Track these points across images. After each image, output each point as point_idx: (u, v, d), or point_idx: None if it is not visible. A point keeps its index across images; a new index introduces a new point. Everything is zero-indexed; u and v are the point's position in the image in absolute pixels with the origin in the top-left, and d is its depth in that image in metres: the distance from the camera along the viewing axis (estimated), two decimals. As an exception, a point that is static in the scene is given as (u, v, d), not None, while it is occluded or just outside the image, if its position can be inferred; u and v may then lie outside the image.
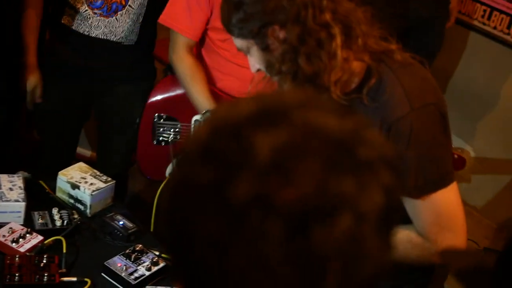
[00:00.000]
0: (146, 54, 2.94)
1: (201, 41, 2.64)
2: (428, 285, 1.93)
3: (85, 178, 2.38)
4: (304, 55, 1.52)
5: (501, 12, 3.73)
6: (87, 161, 3.89)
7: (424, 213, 1.61)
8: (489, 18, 3.81)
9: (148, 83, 2.95)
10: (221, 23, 1.66)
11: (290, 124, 0.70)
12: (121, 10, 2.70)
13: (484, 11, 3.82)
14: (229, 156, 0.69)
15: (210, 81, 2.62)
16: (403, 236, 1.63)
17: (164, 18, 2.62)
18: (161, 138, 2.68)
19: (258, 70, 1.69)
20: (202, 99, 2.55)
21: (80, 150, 3.94)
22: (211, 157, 0.70)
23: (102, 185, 2.38)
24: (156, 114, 2.70)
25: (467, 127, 4.15)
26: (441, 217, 1.60)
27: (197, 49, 2.69)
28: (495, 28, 3.79)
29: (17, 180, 2.31)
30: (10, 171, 2.40)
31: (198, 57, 2.67)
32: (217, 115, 0.75)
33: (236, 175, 0.67)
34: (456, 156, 3.17)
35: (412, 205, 1.60)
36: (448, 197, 1.60)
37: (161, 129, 2.68)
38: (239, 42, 1.65)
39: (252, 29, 1.57)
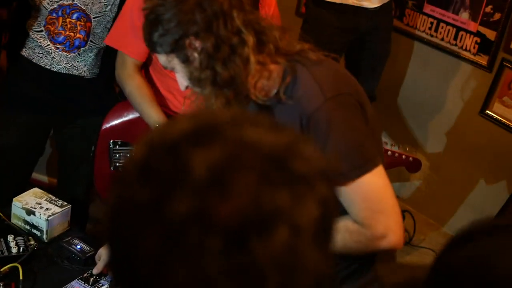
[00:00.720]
0: (108, 85, 2.93)
1: (149, 60, 2.65)
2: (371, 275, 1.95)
3: (40, 204, 2.37)
4: (220, 61, 1.62)
5: (447, 23, 3.82)
6: (46, 187, 3.88)
7: (354, 199, 1.65)
8: (436, 30, 3.89)
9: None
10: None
11: (225, 141, 0.71)
12: (84, 46, 2.68)
13: (431, 23, 3.90)
14: (165, 174, 0.70)
15: (160, 102, 2.62)
16: (341, 226, 1.66)
17: (110, 40, 2.62)
18: (118, 164, 2.67)
19: (187, 87, 1.77)
20: (153, 115, 2.55)
21: (37, 176, 3.91)
22: (148, 175, 0.71)
23: (58, 209, 2.36)
24: (111, 141, 2.69)
25: (419, 137, 4.22)
26: (370, 201, 1.65)
27: (145, 68, 2.69)
28: (442, 39, 3.88)
29: (-29, 209, 2.28)
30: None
31: (147, 76, 2.67)
32: (152, 134, 0.76)
33: (173, 193, 0.68)
34: (411, 159, 3.21)
35: (342, 193, 1.65)
36: (374, 181, 1.64)
37: (117, 155, 2.68)
38: (162, 58, 1.74)
39: (171, 43, 1.66)
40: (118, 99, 2.97)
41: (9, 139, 2.85)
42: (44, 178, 3.92)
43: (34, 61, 2.69)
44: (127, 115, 2.70)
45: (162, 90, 2.64)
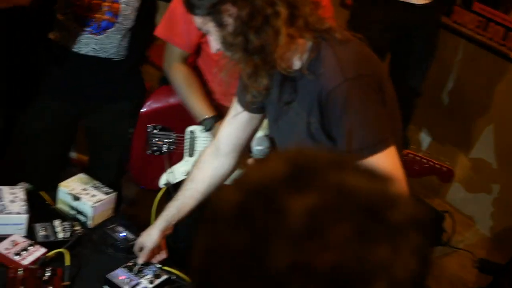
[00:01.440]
0: (135, 68, 2.93)
1: (198, 51, 2.65)
2: None
3: (86, 190, 2.39)
4: (253, 30, 1.69)
5: (497, 23, 3.76)
6: (74, 163, 3.92)
7: None
8: (484, 29, 3.83)
9: (138, 99, 2.96)
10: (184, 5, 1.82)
11: (323, 186, 0.70)
12: (111, 28, 2.67)
13: (480, 21, 3.84)
14: (263, 221, 0.69)
15: (209, 93, 2.63)
16: None
17: (160, 31, 2.63)
18: (155, 148, 2.68)
19: (218, 49, 1.83)
20: (200, 107, 2.56)
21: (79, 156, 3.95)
22: (244, 221, 0.70)
23: (103, 196, 2.38)
24: (150, 125, 2.69)
25: (461, 137, 4.17)
26: None
27: (193, 59, 2.69)
28: (490, 39, 3.82)
29: (19, 192, 2.31)
30: (8, 179, 2.41)
31: (195, 67, 2.67)
32: (248, 176, 0.75)
33: (271, 242, 0.67)
34: (444, 168, 3.18)
35: None
36: (384, 161, 1.70)
37: (155, 140, 2.68)
38: (198, 20, 1.80)
39: (208, 6, 1.73)
40: (145, 85, 2.99)
41: (42, 124, 2.87)
42: (73, 154, 3.94)
43: (62, 44, 2.70)
44: (168, 100, 2.71)
45: (211, 82, 2.63)
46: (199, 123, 2.57)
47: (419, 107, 3.84)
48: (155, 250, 2.22)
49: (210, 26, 1.78)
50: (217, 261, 0.71)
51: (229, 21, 1.73)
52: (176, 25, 2.57)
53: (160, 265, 2.21)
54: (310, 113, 1.78)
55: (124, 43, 2.73)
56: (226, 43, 1.77)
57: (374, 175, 0.74)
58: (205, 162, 2.19)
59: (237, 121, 2.06)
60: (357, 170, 0.74)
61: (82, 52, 2.69)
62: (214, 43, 1.83)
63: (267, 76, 1.77)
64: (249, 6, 1.68)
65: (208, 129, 2.54)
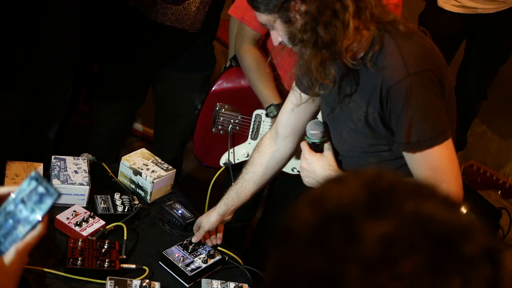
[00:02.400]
0: (208, 42, 2.95)
1: (268, 34, 2.64)
2: None
3: (147, 165, 2.43)
4: (322, 25, 1.70)
5: None
6: (140, 136, 3.98)
7: (420, 166, 1.80)
8: None
9: (207, 72, 2.98)
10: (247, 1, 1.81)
11: (400, 214, 0.70)
12: None
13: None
14: (338, 246, 0.69)
15: (277, 77, 2.62)
16: None
17: (234, 10, 2.63)
18: (220, 127, 2.70)
19: (280, 43, 1.84)
20: (267, 93, 2.57)
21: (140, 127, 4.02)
22: (321, 244, 0.71)
23: (163, 173, 2.42)
24: (219, 103, 2.71)
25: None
26: (436, 170, 1.78)
27: (262, 40, 2.69)
28: None
29: (82, 163, 2.37)
30: (71, 148, 2.46)
31: (264, 49, 2.67)
32: (326, 198, 0.75)
33: (345, 268, 0.68)
34: (508, 185, 3.12)
35: (409, 159, 1.81)
36: (442, 153, 1.77)
37: (222, 119, 2.70)
38: (264, 17, 1.79)
39: (277, 4, 1.73)
40: (215, 58, 3.00)
41: (112, 89, 2.94)
42: (139, 126, 4.01)
43: (141, 11, 2.74)
44: (239, 81, 2.71)
45: (279, 69, 2.62)
46: (266, 109, 2.57)
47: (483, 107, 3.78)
48: (211, 233, 2.25)
49: (276, 23, 1.79)
50: (290, 280, 0.73)
51: (297, 17, 1.73)
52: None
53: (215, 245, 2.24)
54: (369, 103, 1.80)
55: (199, 16, 2.75)
56: (294, 39, 1.77)
57: (451, 204, 0.74)
58: (264, 146, 2.20)
59: (295, 105, 2.07)
60: (434, 198, 0.74)
61: (158, 21, 2.73)
62: (277, 37, 1.83)
63: (334, 67, 1.78)
64: (318, 1, 1.68)
65: (273, 116, 2.54)
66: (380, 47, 1.75)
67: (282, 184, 2.76)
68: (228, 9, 2.67)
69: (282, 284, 0.74)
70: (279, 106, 2.52)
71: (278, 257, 0.75)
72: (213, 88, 2.77)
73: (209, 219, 2.22)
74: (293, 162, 2.60)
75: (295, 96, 2.06)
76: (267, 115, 2.58)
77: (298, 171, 2.60)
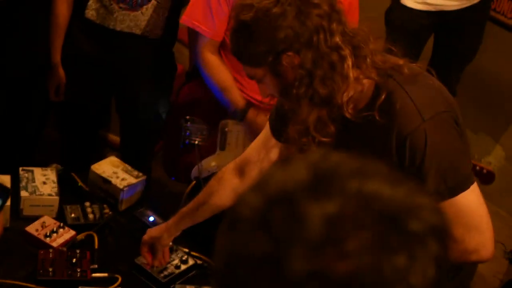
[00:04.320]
0: (169, 48, 2.94)
1: (222, 42, 2.60)
2: (455, 284, 1.94)
3: (116, 173, 2.41)
4: (319, 78, 1.57)
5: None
6: (112, 146, 3.94)
7: (448, 215, 1.63)
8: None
9: (169, 80, 2.97)
10: (231, 52, 1.68)
11: (343, 194, 0.70)
12: (147, 4, 2.68)
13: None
14: (283, 228, 0.69)
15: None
16: None
17: (185, 19, 2.58)
18: (187, 141, 2.66)
19: (269, 95, 1.73)
20: (233, 98, 2.53)
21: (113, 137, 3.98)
22: (264, 227, 0.70)
23: (133, 180, 2.40)
24: (184, 117, 2.67)
25: (498, 127, 4.11)
26: (465, 218, 1.63)
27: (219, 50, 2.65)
28: (530, 28, 3.74)
29: (50, 173, 2.34)
30: (42, 160, 2.44)
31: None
32: (270, 180, 0.74)
33: (290, 250, 0.68)
34: (485, 171, 3.13)
35: None
36: (469, 199, 1.63)
37: (188, 132, 2.66)
38: (251, 71, 1.68)
39: (266, 58, 1.60)
40: (176, 66, 2.98)
41: (76, 99, 2.92)
42: (109, 135, 3.98)
43: (98, 22, 2.71)
44: (203, 92, 2.65)
45: (232, 71, 2.58)
46: (231, 113, 2.53)
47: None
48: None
49: (266, 77, 1.66)
50: (236, 265, 0.72)
51: (290, 70, 1.60)
52: (201, 11, 2.51)
53: (187, 250, 2.23)
54: (382, 157, 1.64)
55: (159, 22, 2.74)
56: (286, 93, 1.64)
57: (396, 181, 0.73)
58: (226, 180, 2.07)
59: (267, 148, 1.94)
60: (379, 176, 0.73)
61: (117, 29, 2.71)
62: (265, 89, 1.72)
63: (333, 122, 1.63)
64: (313, 54, 1.56)
65: (241, 119, 2.52)
66: (387, 95, 1.61)
67: None
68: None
69: (229, 268, 0.73)
70: (246, 109, 2.50)
71: (224, 242, 0.75)
72: (178, 103, 2.73)
73: (163, 241, 2.06)
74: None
75: (268, 138, 1.92)
76: (235, 118, 2.55)
77: None
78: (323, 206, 0.69)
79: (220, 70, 2.57)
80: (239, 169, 2.07)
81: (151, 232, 2.09)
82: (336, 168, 0.73)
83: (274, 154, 1.93)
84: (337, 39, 1.57)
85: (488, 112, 4.10)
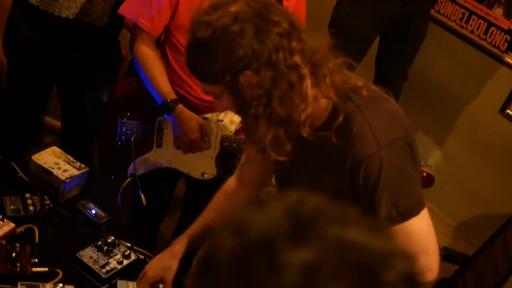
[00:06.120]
0: (114, 37, 2.89)
1: (168, 40, 2.55)
2: None
3: (58, 164, 2.36)
4: (277, 98, 1.54)
5: (479, 17, 3.76)
6: (49, 129, 3.87)
7: (397, 239, 1.64)
8: (467, 22, 3.84)
9: (114, 69, 2.93)
10: (186, 67, 1.64)
11: (323, 241, 0.70)
12: None
13: (463, 14, 3.84)
14: (259, 275, 0.68)
15: (175, 81, 2.54)
16: None
17: (123, 9, 2.50)
18: (123, 138, 2.61)
19: (225, 109, 1.71)
20: (162, 90, 2.47)
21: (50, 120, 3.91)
22: (241, 273, 0.70)
23: (75, 172, 2.36)
24: (119, 113, 2.62)
25: (436, 127, 4.20)
26: (414, 242, 1.64)
27: (163, 47, 2.60)
28: (472, 32, 3.83)
29: (-10, 163, 2.28)
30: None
31: (164, 56, 2.58)
32: (247, 225, 0.73)
33: None
34: (425, 174, 3.18)
35: None
36: (419, 224, 1.65)
37: (124, 129, 2.62)
38: (207, 87, 1.65)
39: (223, 77, 1.57)
40: (122, 55, 2.94)
41: (16, 85, 2.86)
42: (49, 120, 3.91)
43: (42, 8, 2.64)
44: (139, 88, 2.58)
45: (178, 69, 2.55)
46: (160, 107, 2.47)
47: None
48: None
49: (223, 94, 1.63)
50: None
51: (248, 89, 1.57)
52: (139, 4, 2.45)
53: (129, 244, 2.20)
54: (336, 176, 1.66)
55: (106, 9, 2.68)
56: (243, 111, 1.62)
57: (374, 228, 0.74)
58: (233, 194, 2.07)
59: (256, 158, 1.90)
60: (357, 223, 0.74)
61: (63, 15, 2.64)
62: (223, 105, 1.68)
63: (290, 141, 1.61)
64: (272, 73, 1.52)
65: (169, 112, 2.46)
66: (345, 118, 1.60)
67: (194, 190, 2.76)
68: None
69: None
70: (175, 102, 2.45)
71: (198, 283, 0.74)
72: (112, 98, 2.68)
73: (172, 270, 2.01)
74: (203, 167, 2.59)
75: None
76: (164, 111, 2.49)
77: (209, 176, 2.60)
78: (301, 253, 0.69)
79: (151, 61, 2.48)
80: (240, 179, 2.06)
81: (154, 265, 2.03)
82: (315, 214, 0.73)
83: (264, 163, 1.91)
84: (297, 58, 1.54)
85: (430, 112, 4.20)
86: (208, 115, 2.55)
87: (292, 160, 1.64)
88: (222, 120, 2.53)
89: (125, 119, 2.58)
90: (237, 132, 2.56)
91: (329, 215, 0.73)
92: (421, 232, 1.66)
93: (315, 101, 1.59)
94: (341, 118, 1.59)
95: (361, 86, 1.63)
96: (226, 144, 2.58)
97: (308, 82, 1.54)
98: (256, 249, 0.71)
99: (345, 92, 1.62)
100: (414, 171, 1.66)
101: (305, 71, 1.54)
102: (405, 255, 0.74)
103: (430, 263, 1.67)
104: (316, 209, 0.74)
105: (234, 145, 2.55)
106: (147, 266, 2.05)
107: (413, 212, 1.63)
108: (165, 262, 2.03)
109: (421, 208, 1.65)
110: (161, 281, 2.02)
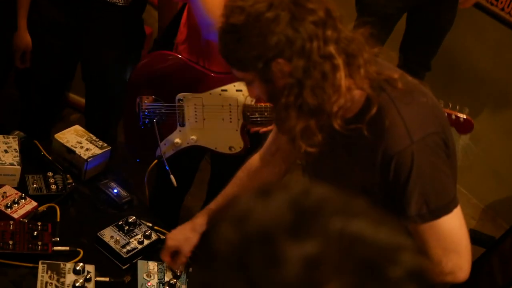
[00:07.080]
0: (138, 16, 2.87)
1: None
2: None
3: (81, 143, 2.36)
4: (309, 88, 1.51)
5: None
6: (75, 107, 3.88)
7: (428, 238, 1.61)
8: (497, -1, 3.76)
9: (138, 48, 2.92)
10: (219, 52, 1.61)
11: (325, 234, 0.67)
12: None
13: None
14: (259, 268, 0.66)
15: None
16: None
17: None
18: (147, 121, 2.59)
19: (257, 96, 1.69)
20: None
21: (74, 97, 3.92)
22: (241, 266, 0.68)
23: (98, 151, 2.35)
24: (139, 97, 2.59)
25: (464, 106, 4.13)
26: (445, 240, 1.61)
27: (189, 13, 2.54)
28: (502, 9, 3.74)
29: (12, 142, 2.28)
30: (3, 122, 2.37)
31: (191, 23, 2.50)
32: (250, 216, 0.71)
33: None
34: (462, 119, 2.98)
35: (415, 230, 1.61)
36: (452, 222, 1.60)
37: (146, 112, 2.59)
38: (239, 74, 1.62)
39: (255, 64, 1.53)
40: (145, 35, 2.91)
41: (40, 64, 2.86)
42: (74, 97, 3.92)
43: None
44: (158, 67, 2.55)
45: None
46: None
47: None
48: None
49: (255, 81, 1.59)
50: None
51: (280, 77, 1.53)
52: None
53: (150, 224, 2.20)
54: (365, 169, 1.63)
55: None
56: (274, 100, 1.58)
57: (380, 221, 0.71)
58: (255, 172, 2.06)
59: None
60: (362, 215, 0.71)
61: None
62: (254, 92, 1.66)
63: (321, 132, 1.57)
64: (305, 62, 1.49)
65: None
66: (378, 110, 1.55)
67: (223, 165, 2.73)
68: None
69: None
70: None
71: (200, 276, 0.72)
72: (131, 80, 2.65)
73: (191, 242, 2.02)
74: (230, 141, 2.56)
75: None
76: None
77: (236, 150, 2.57)
78: (303, 246, 0.66)
79: None
80: (264, 158, 2.05)
81: (175, 235, 2.06)
82: (319, 205, 0.70)
83: None
84: (331, 47, 1.49)
85: (457, 92, 4.12)
86: (226, 87, 2.51)
87: (321, 151, 1.59)
88: (241, 90, 2.48)
89: (146, 102, 2.56)
90: (257, 100, 2.52)
91: (334, 207, 0.70)
92: (453, 231, 1.62)
93: (348, 92, 1.55)
94: (374, 110, 1.55)
95: (396, 78, 1.58)
96: (248, 113, 2.54)
97: (341, 72, 1.50)
98: (256, 242, 0.68)
99: (379, 84, 1.57)
100: (447, 168, 1.61)
101: (339, 61, 1.50)
102: (414, 249, 0.70)
103: (462, 263, 1.64)
104: (320, 200, 0.71)
105: (256, 113, 2.50)
106: (168, 235, 2.08)
107: (445, 210, 1.59)
108: (185, 234, 2.05)
109: (454, 206, 1.60)
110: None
